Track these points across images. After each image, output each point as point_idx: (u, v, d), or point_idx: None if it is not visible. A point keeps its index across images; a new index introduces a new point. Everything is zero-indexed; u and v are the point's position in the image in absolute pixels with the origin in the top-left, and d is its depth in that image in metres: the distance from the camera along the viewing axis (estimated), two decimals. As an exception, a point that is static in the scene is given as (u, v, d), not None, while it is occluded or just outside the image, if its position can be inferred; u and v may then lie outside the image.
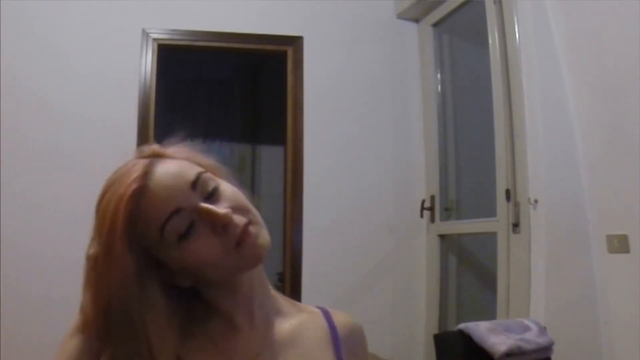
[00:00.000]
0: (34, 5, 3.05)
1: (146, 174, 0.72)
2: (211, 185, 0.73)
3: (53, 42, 3.06)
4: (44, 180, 2.97)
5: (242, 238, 0.71)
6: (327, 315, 0.85)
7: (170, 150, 0.79)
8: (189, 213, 0.70)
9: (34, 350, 2.78)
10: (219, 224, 0.70)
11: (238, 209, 0.73)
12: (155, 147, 0.79)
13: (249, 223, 0.72)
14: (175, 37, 3.21)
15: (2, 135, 2.92)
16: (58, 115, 3.02)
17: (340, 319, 0.85)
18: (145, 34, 3.15)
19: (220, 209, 0.71)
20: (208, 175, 0.75)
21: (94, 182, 3.17)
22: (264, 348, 0.76)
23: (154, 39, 3.16)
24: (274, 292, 0.83)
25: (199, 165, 0.77)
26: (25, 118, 2.98)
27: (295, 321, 0.81)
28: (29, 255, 2.88)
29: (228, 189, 0.75)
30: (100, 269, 0.73)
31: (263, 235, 0.73)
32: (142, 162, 0.74)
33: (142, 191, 0.70)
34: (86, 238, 2.84)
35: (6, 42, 2.97)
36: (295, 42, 3.32)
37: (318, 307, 0.86)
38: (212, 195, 0.73)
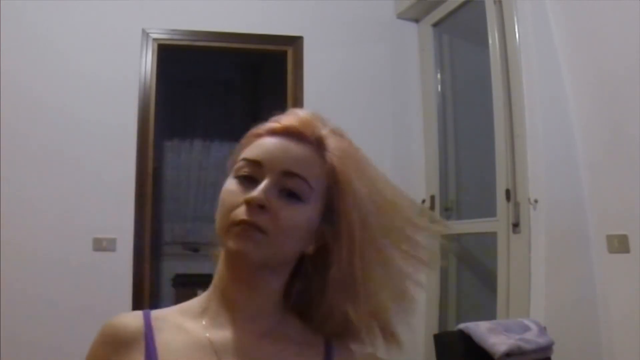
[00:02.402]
0: (34, 5, 3.05)
1: (298, 135, 0.76)
2: (296, 192, 0.73)
3: (53, 42, 3.06)
4: (44, 180, 2.97)
5: (242, 224, 0.70)
6: (328, 348, 0.79)
7: (335, 146, 0.81)
8: (261, 173, 0.73)
9: (34, 350, 2.78)
10: (246, 197, 0.71)
11: (275, 222, 0.71)
12: (336, 131, 0.83)
13: (262, 231, 0.70)
14: (175, 37, 3.21)
15: (2, 134, 2.92)
16: (58, 115, 3.02)
17: (342, 353, 0.80)
18: (145, 34, 3.15)
19: (263, 196, 0.71)
20: (307, 188, 0.74)
21: (94, 182, 3.20)
22: (244, 351, 0.74)
23: (154, 39, 3.16)
24: (287, 311, 0.79)
25: (332, 182, 0.76)
26: (25, 118, 2.99)
27: (292, 345, 0.77)
28: (29, 255, 2.89)
29: (298, 212, 0.73)
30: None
31: (254, 249, 0.70)
32: (308, 130, 0.78)
33: (280, 133, 0.76)
34: (86, 238, 2.86)
35: (6, 42, 2.97)
36: (295, 42, 3.32)
37: (324, 337, 0.80)
38: (288, 197, 0.73)
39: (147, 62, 3.13)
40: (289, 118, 0.78)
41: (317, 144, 0.77)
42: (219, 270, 0.77)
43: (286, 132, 0.76)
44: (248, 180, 0.73)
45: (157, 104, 3.14)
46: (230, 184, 0.74)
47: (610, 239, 2.20)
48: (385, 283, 0.79)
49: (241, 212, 0.71)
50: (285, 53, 3.33)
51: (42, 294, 2.85)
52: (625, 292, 2.14)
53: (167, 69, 3.27)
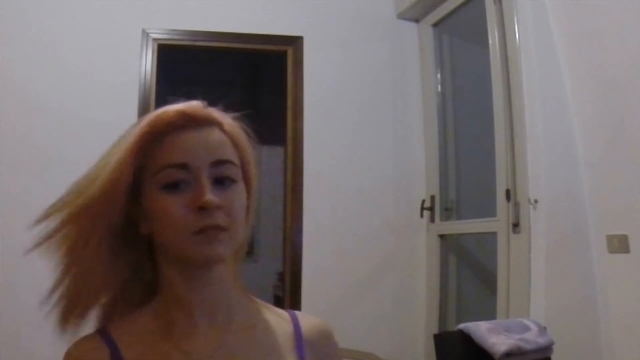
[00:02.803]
0: (34, 5, 3.05)
1: (197, 119, 0.74)
2: (229, 176, 0.74)
3: (53, 42, 3.06)
4: (43, 180, 2.97)
5: (205, 231, 0.70)
6: (294, 320, 0.83)
7: (227, 122, 0.79)
8: (190, 174, 0.72)
9: (34, 350, 2.78)
10: (199, 203, 0.70)
11: (229, 214, 0.72)
12: (217, 114, 0.79)
13: (224, 229, 0.71)
14: (175, 37, 3.21)
15: (2, 134, 2.92)
16: (58, 115, 3.02)
17: (307, 321, 0.84)
18: (145, 34, 3.15)
19: (211, 194, 0.70)
20: (236, 170, 0.75)
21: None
22: (220, 348, 0.74)
23: (154, 39, 3.16)
24: (243, 294, 0.81)
25: (240, 156, 0.77)
26: (25, 118, 2.99)
27: (260, 324, 0.80)
28: (29, 256, 2.88)
29: (238, 195, 0.75)
30: (106, 155, 0.76)
31: (223, 249, 0.72)
32: (204, 111, 0.76)
33: (181, 125, 0.73)
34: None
35: (6, 42, 2.97)
36: (295, 42, 3.32)
37: (287, 311, 0.86)
38: (222, 184, 0.73)
39: (147, 62, 3.13)
40: (180, 108, 0.75)
41: (215, 122, 0.77)
42: (169, 279, 0.75)
43: (190, 121, 0.74)
44: (175, 186, 0.71)
45: (157, 104, 3.14)
46: (162, 199, 0.71)
47: (610, 239, 2.20)
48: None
49: (199, 220, 0.70)
50: (285, 53, 3.33)
51: (42, 294, 2.84)
52: (625, 292, 2.14)
53: (167, 69, 3.27)
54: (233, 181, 0.74)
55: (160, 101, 3.20)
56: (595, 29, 2.31)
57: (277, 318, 0.82)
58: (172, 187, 0.72)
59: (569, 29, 2.41)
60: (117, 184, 0.72)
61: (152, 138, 0.73)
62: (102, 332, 0.75)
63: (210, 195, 0.70)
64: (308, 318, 0.85)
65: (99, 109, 3.05)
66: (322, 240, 3.17)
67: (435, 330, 2.98)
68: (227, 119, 0.79)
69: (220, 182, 0.73)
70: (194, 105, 0.76)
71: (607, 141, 2.26)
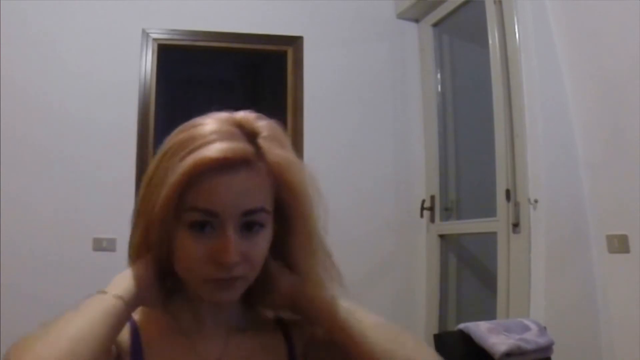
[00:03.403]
0: (34, 5, 3.05)
1: (238, 161, 0.69)
2: (258, 222, 0.71)
3: (53, 42, 3.06)
4: (44, 180, 2.97)
5: (220, 280, 0.70)
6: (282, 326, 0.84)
7: (273, 149, 0.73)
8: (218, 219, 0.69)
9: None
10: (220, 259, 0.69)
11: (249, 261, 0.71)
12: (259, 128, 0.73)
13: (240, 278, 0.71)
14: (175, 37, 3.21)
15: (2, 135, 2.92)
16: (58, 115, 3.02)
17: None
18: (145, 34, 3.15)
19: (236, 254, 0.69)
20: (267, 216, 0.72)
21: (94, 182, 3.20)
22: (227, 350, 0.77)
23: (154, 39, 3.16)
24: (239, 305, 0.81)
25: (283, 191, 0.74)
26: (25, 118, 2.99)
27: (256, 338, 0.80)
28: (29, 255, 2.89)
29: (262, 241, 0.73)
30: (151, 185, 0.73)
31: (235, 294, 0.73)
32: (246, 150, 0.70)
33: (219, 167, 0.68)
34: (86, 238, 2.86)
35: (6, 42, 2.97)
36: (295, 42, 3.32)
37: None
38: (249, 229, 0.71)
39: (147, 62, 3.13)
40: (221, 146, 0.69)
41: (256, 158, 0.72)
42: (184, 287, 0.76)
43: (227, 164, 0.69)
44: (201, 227, 0.69)
45: (157, 104, 3.14)
46: (186, 238, 0.70)
47: (610, 239, 2.20)
48: (322, 264, 0.84)
49: (217, 271, 0.69)
50: (285, 53, 3.33)
51: (42, 294, 2.84)
52: (625, 292, 2.14)
53: (167, 69, 3.27)
54: (261, 226, 0.72)
55: (160, 101, 3.21)
56: (595, 29, 2.31)
57: (272, 331, 0.83)
58: (198, 227, 0.69)
59: (569, 29, 2.41)
60: (162, 225, 0.71)
61: (189, 180, 0.69)
62: (132, 321, 0.77)
63: (232, 254, 0.68)
64: (296, 325, 0.85)
65: (99, 109, 3.06)
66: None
67: (435, 330, 2.98)
68: (273, 150, 0.73)
69: (250, 226, 0.71)
70: (234, 140, 0.70)
71: (607, 141, 2.26)
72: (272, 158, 0.72)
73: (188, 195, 0.69)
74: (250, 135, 0.72)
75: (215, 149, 0.68)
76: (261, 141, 0.72)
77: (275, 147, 0.73)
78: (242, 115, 0.74)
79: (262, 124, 0.74)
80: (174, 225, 0.70)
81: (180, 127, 0.74)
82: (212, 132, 0.70)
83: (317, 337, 0.82)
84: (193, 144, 0.70)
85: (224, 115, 0.74)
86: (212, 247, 0.69)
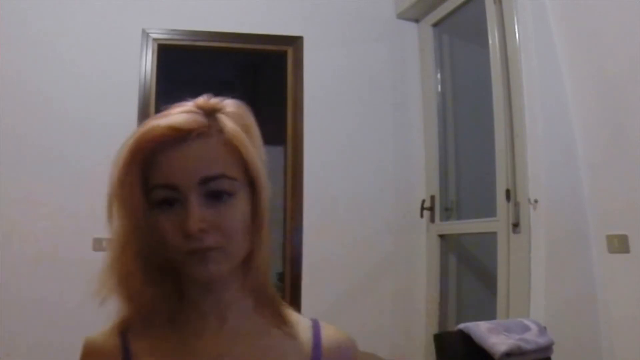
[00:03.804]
0: (34, 5, 3.05)
1: (190, 132, 0.70)
2: (224, 190, 0.71)
3: (53, 42, 3.06)
4: (43, 181, 2.97)
5: (196, 253, 0.70)
6: (316, 329, 0.81)
7: (229, 123, 0.73)
8: (180, 194, 0.70)
9: (34, 350, 2.79)
10: (183, 229, 0.69)
11: (222, 231, 0.70)
12: (218, 106, 0.74)
13: (216, 249, 0.70)
14: (175, 37, 3.21)
15: (2, 134, 2.92)
16: (58, 115, 3.02)
17: (329, 333, 0.81)
18: (145, 34, 3.15)
19: (197, 222, 0.68)
20: (232, 182, 0.71)
21: (93, 182, 3.19)
22: (228, 353, 0.74)
23: (154, 39, 3.16)
24: (256, 303, 0.79)
25: (243, 162, 0.73)
26: (25, 118, 2.99)
27: (274, 331, 0.78)
28: (29, 255, 2.89)
29: (234, 209, 0.71)
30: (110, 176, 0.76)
31: (217, 268, 0.71)
32: (197, 120, 0.71)
33: (171, 140, 0.70)
34: (86, 238, 2.85)
35: (6, 42, 2.97)
36: (295, 42, 3.32)
37: (311, 320, 0.83)
38: (218, 198, 0.70)
39: (147, 62, 3.13)
40: (169, 123, 0.70)
41: (212, 130, 0.72)
42: (185, 284, 0.76)
43: (181, 135, 0.70)
44: (169, 203, 0.70)
45: (157, 104, 3.14)
46: (155, 216, 0.70)
47: (610, 239, 2.20)
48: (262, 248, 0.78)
49: (187, 242, 0.69)
50: (285, 53, 3.33)
51: (42, 294, 2.85)
52: (625, 292, 2.14)
53: (167, 69, 3.27)
54: (229, 195, 0.71)
55: (161, 101, 3.21)
56: (595, 29, 2.31)
57: (297, 326, 0.80)
58: (166, 204, 0.70)
59: (569, 29, 2.41)
60: (130, 205, 0.72)
61: (142, 156, 0.71)
62: (121, 324, 0.77)
63: (193, 221, 0.68)
64: (331, 329, 0.82)
65: (99, 109, 3.06)
66: (322, 240, 3.17)
67: (435, 330, 2.98)
68: (228, 123, 0.73)
69: (217, 196, 0.70)
70: (189, 115, 0.71)
71: (607, 141, 2.26)
72: (228, 130, 0.72)
73: (148, 177, 0.71)
74: (208, 111, 0.73)
75: (164, 122, 0.70)
76: (219, 116, 0.73)
77: (231, 122, 0.73)
78: (204, 98, 0.75)
79: (226, 103, 0.75)
80: (147, 212, 0.71)
81: None
82: (168, 112, 0.73)
83: None
84: (147, 123, 0.72)
85: (188, 102, 0.75)
86: (179, 219, 0.69)
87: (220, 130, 0.72)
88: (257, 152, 0.74)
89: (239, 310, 0.77)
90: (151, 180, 0.71)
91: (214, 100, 0.75)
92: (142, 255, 0.73)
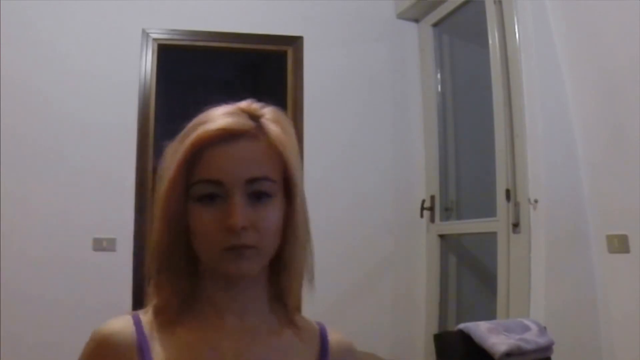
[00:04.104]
0: (34, 5, 3.05)
1: (239, 133, 0.73)
2: (265, 192, 0.73)
3: (53, 42, 3.06)
4: (43, 180, 2.97)
5: (233, 249, 0.72)
6: (323, 332, 0.85)
7: (274, 127, 0.76)
8: (224, 189, 0.72)
9: (34, 350, 2.79)
10: (226, 224, 0.71)
11: (259, 231, 0.73)
12: (262, 112, 0.77)
13: (251, 247, 0.72)
14: (175, 37, 3.21)
15: (2, 134, 2.92)
16: (58, 115, 3.02)
17: (333, 336, 0.85)
18: (145, 34, 3.15)
19: (242, 219, 0.71)
20: (272, 185, 0.74)
21: (94, 182, 3.20)
22: (247, 350, 0.76)
23: (154, 39, 3.16)
24: (272, 304, 0.82)
25: (283, 168, 0.76)
26: (25, 118, 2.99)
27: (287, 332, 0.81)
28: (29, 255, 2.89)
29: (272, 211, 0.74)
30: (162, 170, 0.77)
31: (249, 266, 0.73)
32: (246, 123, 0.75)
33: (220, 139, 0.73)
34: (86, 238, 2.85)
35: (6, 42, 2.97)
36: (295, 42, 3.32)
37: (318, 323, 0.87)
38: (258, 199, 0.73)
39: (147, 62, 3.13)
40: (222, 120, 0.74)
41: (259, 133, 0.75)
42: (203, 281, 0.77)
43: (230, 135, 0.73)
44: (211, 198, 0.72)
45: (157, 104, 3.14)
46: (197, 211, 0.73)
47: (610, 239, 2.20)
48: (304, 252, 0.86)
49: (227, 238, 0.71)
50: (285, 53, 3.33)
51: (42, 294, 2.84)
52: (625, 292, 2.14)
53: (167, 69, 3.27)
54: (269, 196, 0.74)
55: (161, 101, 3.21)
56: (595, 29, 2.31)
57: (306, 329, 0.84)
58: (208, 199, 0.72)
59: (569, 29, 2.41)
60: (172, 202, 0.74)
61: (194, 154, 0.73)
62: (135, 315, 0.77)
63: (238, 217, 0.70)
64: (337, 335, 0.86)
65: (99, 109, 3.06)
66: (321, 240, 3.16)
67: (435, 330, 2.98)
68: (274, 128, 0.76)
69: (257, 197, 0.73)
70: (236, 117, 0.75)
71: (607, 141, 2.26)
72: (273, 134, 0.75)
73: (194, 171, 0.73)
74: (253, 116, 0.76)
75: (215, 124, 0.73)
76: (263, 120, 0.76)
77: (276, 127, 0.76)
78: (247, 102, 0.78)
79: (267, 110, 0.78)
80: (186, 205, 0.74)
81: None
82: (215, 114, 0.75)
83: None
84: (196, 125, 0.74)
85: (230, 105, 0.78)
86: (221, 214, 0.71)
87: (266, 134, 0.75)
88: (297, 159, 0.78)
89: (256, 310, 0.79)
90: (196, 176, 0.73)
91: (257, 105, 0.78)
92: (176, 247, 0.75)
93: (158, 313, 0.76)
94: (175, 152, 0.74)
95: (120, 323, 0.75)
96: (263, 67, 4.95)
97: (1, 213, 2.86)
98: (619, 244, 2.15)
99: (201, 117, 0.76)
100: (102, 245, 2.96)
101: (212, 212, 0.72)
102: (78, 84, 3.06)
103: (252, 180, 0.73)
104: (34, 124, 2.99)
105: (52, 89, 3.03)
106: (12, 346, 2.72)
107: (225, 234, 0.71)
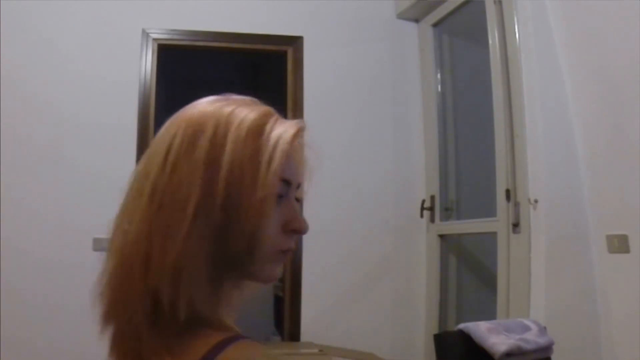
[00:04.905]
0: (34, 5, 3.05)
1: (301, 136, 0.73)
2: (301, 197, 0.74)
3: (53, 42, 3.06)
4: (43, 180, 2.97)
5: (287, 252, 0.70)
6: (211, 353, 0.61)
7: (310, 140, 0.78)
8: (289, 190, 0.70)
9: (34, 350, 2.79)
10: (294, 228, 0.69)
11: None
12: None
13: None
14: (175, 37, 3.21)
15: (2, 134, 2.92)
16: (58, 115, 3.02)
17: (223, 356, 0.61)
18: (145, 34, 3.15)
19: (307, 222, 0.71)
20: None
21: (94, 182, 3.20)
22: None
23: (154, 39, 3.16)
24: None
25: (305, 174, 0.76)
26: (25, 118, 2.99)
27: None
28: (29, 255, 2.89)
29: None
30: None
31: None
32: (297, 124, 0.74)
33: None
34: (86, 238, 2.85)
35: (6, 42, 2.97)
36: (295, 42, 3.32)
37: (222, 341, 0.62)
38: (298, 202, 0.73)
39: (147, 62, 3.13)
40: (297, 121, 0.74)
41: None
42: (232, 301, 0.71)
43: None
44: (279, 197, 0.69)
45: (157, 104, 3.14)
46: (270, 209, 0.67)
47: (610, 239, 2.20)
48: None
49: (288, 241, 0.70)
50: (285, 53, 3.33)
51: (42, 294, 2.85)
52: (625, 292, 2.15)
53: (167, 69, 3.27)
54: (302, 200, 0.74)
55: (160, 101, 3.21)
56: (595, 29, 2.31)
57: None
58: (278, 198, 0.69)
59: (569, 29, 2.41)
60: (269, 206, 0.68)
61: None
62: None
63: (305, 221, 0.70)
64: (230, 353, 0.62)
65: (99, 108, 3.06)
66: (322, 240, 3.17)
67: (435, 330, 2.98)
68: (310, 140, 0.77)
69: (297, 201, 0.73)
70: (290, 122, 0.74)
71: (607, 141, 2.26)
72: (313, 147, 0.79)
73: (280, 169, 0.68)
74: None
75: (300, 125, 0.72)
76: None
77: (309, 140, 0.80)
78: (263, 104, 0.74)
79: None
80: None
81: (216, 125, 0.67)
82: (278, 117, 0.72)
83: None
84: (271, 119, 0.70)
85: (246, 99, 0.73)
86: (285, 216, 0.69)
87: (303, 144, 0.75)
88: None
89: None
90: (282, 175, 0.68)
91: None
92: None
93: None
94: (258, 155, 0.66)
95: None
96: (263, 67, 4.95)
97: (1, 213, 2.86)
98: (619, 244, 2.16)
99: (267, 111, 0.70)
100: (102, 245, 2.95)
101: (278, 212, 0.68)
102: (78, 83, 3.06)
103: (299, 185, 0.73)
104: (34, 124, 2.99)
105: (52, 88, 3.03)
106: (12, 346, 2.72)
107: (289, 235, 0.69)
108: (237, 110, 0.68)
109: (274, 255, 0.69)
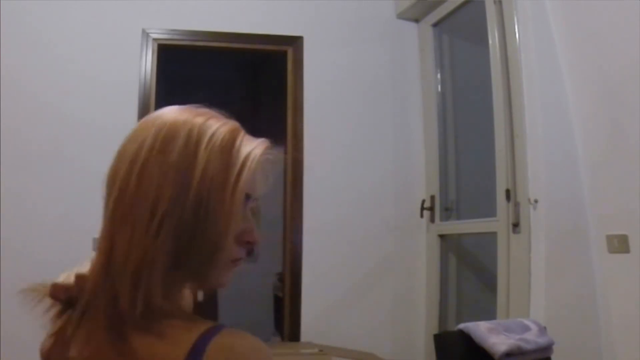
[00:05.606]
0: (33, 5, 3.05)
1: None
2: (259, 208, 0.77)
3: (53, 42, 3.06)
4: (43, 180, 2.97)
5: (238, 262, 0.74)
6: (202, 340, 0.63)
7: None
8: (250, 204, 0.74)
9: (34, 350, 2.78)
10: (252, 239, 0.74)
11: None
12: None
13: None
14: (175, 37, 3.21)
15: (2, 134, 2.92)
16: (58, 115, 3.02)
17: (217, 341, 0.64)
18: (145, 34, 3.15)
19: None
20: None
21: (94, 182, 3.17)
22: None
23: (154, 39, 3.16)
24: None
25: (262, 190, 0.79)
26: (25, 118, 2.99)
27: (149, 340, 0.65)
28: (29, 255, 2.88)
29: None
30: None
31: None
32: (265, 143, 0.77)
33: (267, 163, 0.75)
34: (86, 238, 2.84)
35: (6, 42, 2.97)
36: (295, 42, 3.32)
37: (209, 329, 0.65)
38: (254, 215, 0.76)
39: (147, 62, 3.13)
40: (262, 140, 0.77)
41: None
42: (182, 302, 0.78)
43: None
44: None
45: (157, 104, 3.14)
46: (236, 220, 0.71)
47: (610, 239, 2.20)
48: None
49: (241, 251, 0.74)
50: (285, 53, 3.33)
51: (42, 294, 2.85)
52: (625, 292, 2.15)
53: (167, 69, 3.27)
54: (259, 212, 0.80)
55: (161, 101, 3.21)
56: (595, 29, 2.31)
57: (171, 339, 0.65)
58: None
59: (569, 29, 2.42)
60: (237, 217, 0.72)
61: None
62: None
63: (258, 234, 0.75)
64: (222, 337, 0.64)
65: (99, 109, 3.06)
66: (322, 240, 3.17)
67: (435, 330, 2.98)
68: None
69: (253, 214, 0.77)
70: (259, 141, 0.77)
71: (607, 141, 2.26)
72: (283, 162, 0.81)
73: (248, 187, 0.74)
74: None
75: (259, 142, 0.75)
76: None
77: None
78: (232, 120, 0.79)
79: None
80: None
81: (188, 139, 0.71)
82: (241, 132, 0.76)
83: None
84: (242, 140, 0.74)
85: (213, 111, 0.78)
86: (241, 228, 0.72)
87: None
88: None
89: None
90: (253, 193, 0.74)
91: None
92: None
93: None
94: (231, 165, 0.70)
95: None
96: (263, 67, 4.95)
97: (1, 213, 2.86)
98: (619, 244, 2.16)
99: (236, 127, 0.75)
100: (102, 245, 2.95)
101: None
102: (78, 84, 3.06)
103: (257, 198, 0.75)
104: (34, 124, 2.99)
105: (52, 88, 3.03)
106: (12, 346, 2.72)
107: (242, 246, 0.73)
108: (209, 121, 0.73)
109: (227, 263, 0.72)
